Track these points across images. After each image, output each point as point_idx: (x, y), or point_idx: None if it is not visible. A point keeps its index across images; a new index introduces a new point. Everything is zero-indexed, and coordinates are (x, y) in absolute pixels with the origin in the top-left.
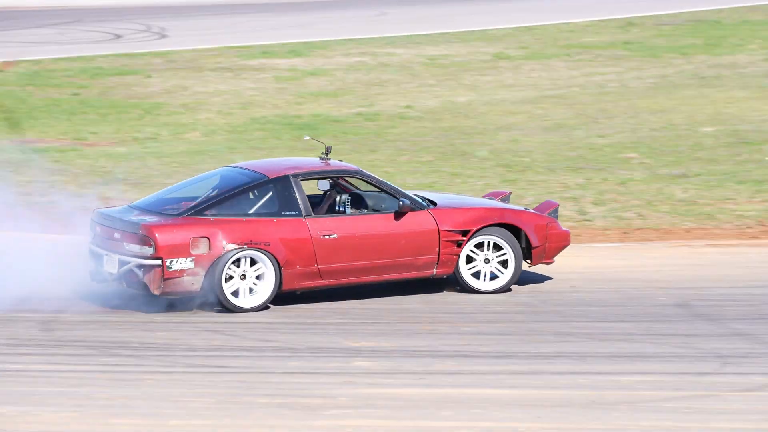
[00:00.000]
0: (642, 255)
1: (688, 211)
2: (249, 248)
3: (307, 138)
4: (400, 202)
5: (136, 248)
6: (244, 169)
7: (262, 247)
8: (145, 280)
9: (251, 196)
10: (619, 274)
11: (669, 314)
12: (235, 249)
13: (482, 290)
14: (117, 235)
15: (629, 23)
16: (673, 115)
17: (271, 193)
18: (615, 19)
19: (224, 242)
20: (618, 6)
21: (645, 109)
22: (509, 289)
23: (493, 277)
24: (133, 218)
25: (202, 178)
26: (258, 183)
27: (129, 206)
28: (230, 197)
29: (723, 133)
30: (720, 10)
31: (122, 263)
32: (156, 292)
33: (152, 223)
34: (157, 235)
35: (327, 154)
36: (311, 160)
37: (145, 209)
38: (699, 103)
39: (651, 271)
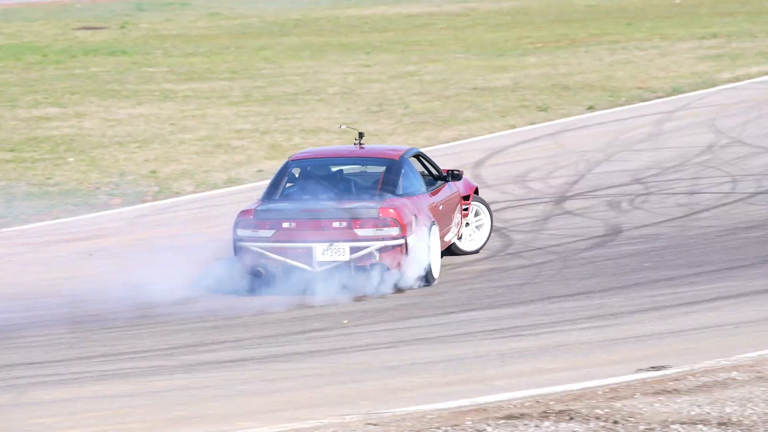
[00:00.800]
0: None
1: None
2: (434, 223)
3: (344, 127)
4: (456, 172)
5: (370, 232)
6: (363, 157)
7: (435, 219)
8: (386, 260)
9: (400, 177)
10: None
11: None
12: (430, 223)
13: (468, 251)
14: (339, 224)
15: None
16: None
17: (406, 172)
18: None
19: (424, 218)
20: None
21: None
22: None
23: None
24: (358, 204)
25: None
26: (396, 165)
27: (275, 201)
28: (396, 178)
29: None
30: None
31: (355, 249)
32: (395, 270)
33: (390, 204)
34: (400, 214)
35: (360, 139)
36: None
37: (317, 200)
38: None
39: None
